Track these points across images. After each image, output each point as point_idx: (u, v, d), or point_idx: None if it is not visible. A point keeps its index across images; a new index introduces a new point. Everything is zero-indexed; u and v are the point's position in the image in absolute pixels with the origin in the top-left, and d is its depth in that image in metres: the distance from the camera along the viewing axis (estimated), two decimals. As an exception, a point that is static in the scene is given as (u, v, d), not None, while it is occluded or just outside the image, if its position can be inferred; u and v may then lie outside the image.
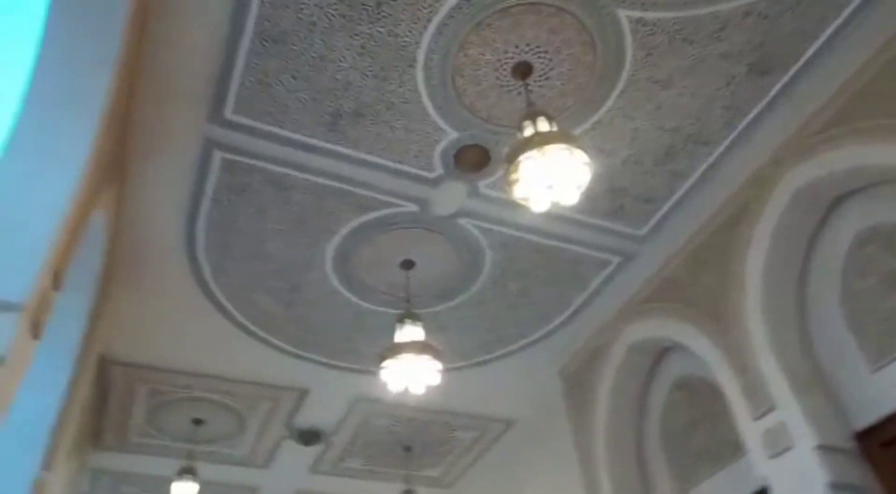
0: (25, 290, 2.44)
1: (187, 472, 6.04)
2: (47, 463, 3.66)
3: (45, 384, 3.62)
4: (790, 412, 3.82)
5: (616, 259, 5.02)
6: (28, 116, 2.68)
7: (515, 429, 6.97)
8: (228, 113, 3.78)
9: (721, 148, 4.20)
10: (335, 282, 5.06)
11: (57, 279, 2.82)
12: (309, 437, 6.88)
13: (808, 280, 4.18)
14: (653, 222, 4.70)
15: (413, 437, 7.06)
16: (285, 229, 4.57)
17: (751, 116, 4.02)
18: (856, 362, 3.83)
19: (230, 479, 7.43)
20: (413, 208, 4.50)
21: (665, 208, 4.59)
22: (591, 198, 4.38)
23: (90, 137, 2.79)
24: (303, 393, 6.28)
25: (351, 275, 5.01)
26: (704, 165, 4.31)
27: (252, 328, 5.47)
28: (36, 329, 2.64)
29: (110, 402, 6.14)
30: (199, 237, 4.60)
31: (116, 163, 3.68)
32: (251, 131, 3.89)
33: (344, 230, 4.62)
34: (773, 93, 3.90)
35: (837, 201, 4.07)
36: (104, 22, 2.80)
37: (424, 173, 4.26)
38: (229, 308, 5.24)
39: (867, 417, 3.73)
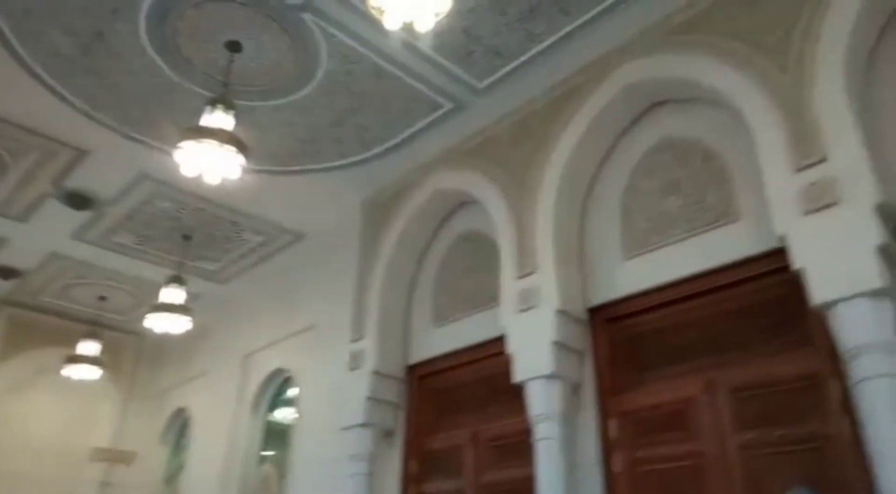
0: None
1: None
2: None
3: None
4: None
5: (449, 105, 5.00)
6: None
7: (303, 243, 7.08)
8: None
9: (580, 20, 4.20)
10: (146, 41, 4.47)
11: None
12: (79, 201, 6.35)
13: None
14: (495, 77, 4.68)
15: (196, 227, 6.85)
16: (97, -41, 3.86)
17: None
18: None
19: (-24, 224, 6.71)
20: (255, -19, 4.02)
21: (510, 67, 4.59)
22: (445, 35, 4.27)
23: None
24: (82, 154, 5.70)
25: (166, 38, 4.45)
26: (559, 34, 4.30)
27: (36, 69, 4.73)
28: None
29: None
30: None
31: None
32: None
33: (169, -18, 4.02)
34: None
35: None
36: None
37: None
38: (8, 35, 4.43)
39: None
